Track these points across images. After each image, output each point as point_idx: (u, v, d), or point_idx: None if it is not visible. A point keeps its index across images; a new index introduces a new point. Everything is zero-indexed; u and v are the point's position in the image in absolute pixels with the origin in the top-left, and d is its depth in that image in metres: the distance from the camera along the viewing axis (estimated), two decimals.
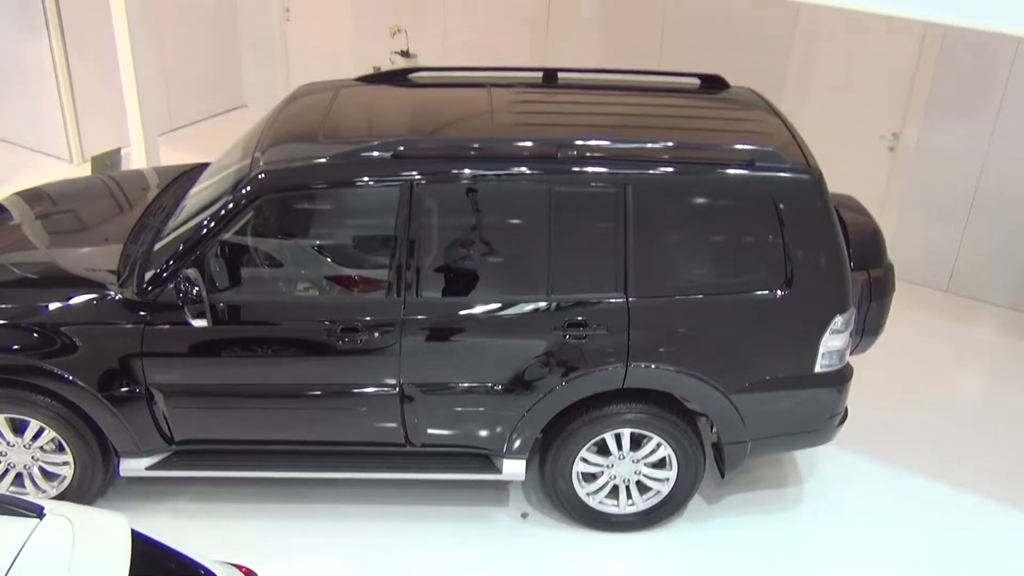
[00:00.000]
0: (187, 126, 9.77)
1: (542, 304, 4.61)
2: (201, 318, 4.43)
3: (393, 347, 4.60)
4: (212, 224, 4.52)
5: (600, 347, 4.63)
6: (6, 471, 4.85)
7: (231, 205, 4.52)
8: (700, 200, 4.61)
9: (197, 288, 4.38)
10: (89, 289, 4.68)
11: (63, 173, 8.38)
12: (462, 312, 4.62)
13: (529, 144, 4.63)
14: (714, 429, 4.96)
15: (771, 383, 4.76)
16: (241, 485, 5.19)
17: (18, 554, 2.78)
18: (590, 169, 4.53)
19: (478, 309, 4.62)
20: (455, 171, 4.52)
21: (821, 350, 4.72)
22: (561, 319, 4.61)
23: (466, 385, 4.70)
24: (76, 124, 8.72)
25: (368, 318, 4.58)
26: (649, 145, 4.63)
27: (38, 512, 2.98)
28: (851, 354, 5.00)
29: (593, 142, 4.62)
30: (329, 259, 5.01)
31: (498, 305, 4.62)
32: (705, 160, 4.59)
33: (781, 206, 4.56)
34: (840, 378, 4.85)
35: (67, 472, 4.85)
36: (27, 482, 4.87)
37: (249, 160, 4.71)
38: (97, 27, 8.31)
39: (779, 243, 4.60)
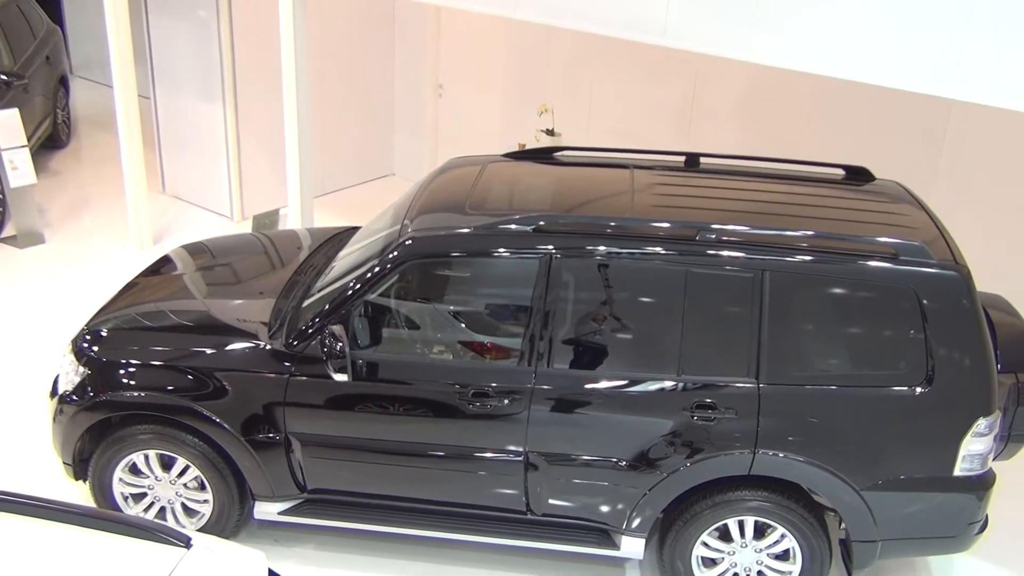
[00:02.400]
0: (339, 191, 10.28)
1: (671, 383, 4.63)
2: (342, 373, 4.65)
3: (521, 415, 4.69)
4: (359, 285, 4.77)
5: (728, 431, 4.60)
6: (151, 504, 5.15)
7: (378, 268, 4.76)
8: (839, 291, 4.57)
9: (341, 344, 4.61)
10: (243, 338, 4.99)
11: (224, 229, 8.97)
12: (591, 385, 4.69)
13: (668, 225, 4.70)
14: (843, 525, 4.81)
15: (906, 483, 4.60)
16: (365, 538, 5.33)
17: None
18: (728, 253, 4.57)
19: (607, 384, 4.68)
20: (594, 247, 4.64)
21: (962, 453, 4.55)
22: (690, 400, 4.61)
23: (590, 458, 4.73)
24: (240, 185, 9.33)
25: (499, 385, 4.70)
26: (789, 233, 4.64)
27: (186, 542, 3.18)
28: (995, 460, 4.79)
29: (732, 227, 4.66)
30: (465, 325, 5.18)
31: (627, 381, 4.67)
32: (846, 251, 4.55)
33: (925, 302, 4.47)
34: (981, 484, 4.65)
35: (206, 510, 5.10)
36: (169, 516, 5.15)
37: (398, 227, 4.96)
38: (264, 98, 8.95)
39: (921, 340, 4.49)
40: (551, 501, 4.87)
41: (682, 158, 5.59)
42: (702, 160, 5.60)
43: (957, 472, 4.59)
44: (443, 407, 4.76)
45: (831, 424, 4.58)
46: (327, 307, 4.81)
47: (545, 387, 4.68)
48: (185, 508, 5.14)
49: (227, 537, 5.19)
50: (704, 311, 4.61)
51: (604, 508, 4.84)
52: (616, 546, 4.92)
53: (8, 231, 8.91)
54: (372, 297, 4.82)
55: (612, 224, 4.73)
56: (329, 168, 9.98)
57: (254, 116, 9.14)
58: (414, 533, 5.09)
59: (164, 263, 6.14)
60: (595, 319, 4.77)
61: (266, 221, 7.78)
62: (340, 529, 5.22)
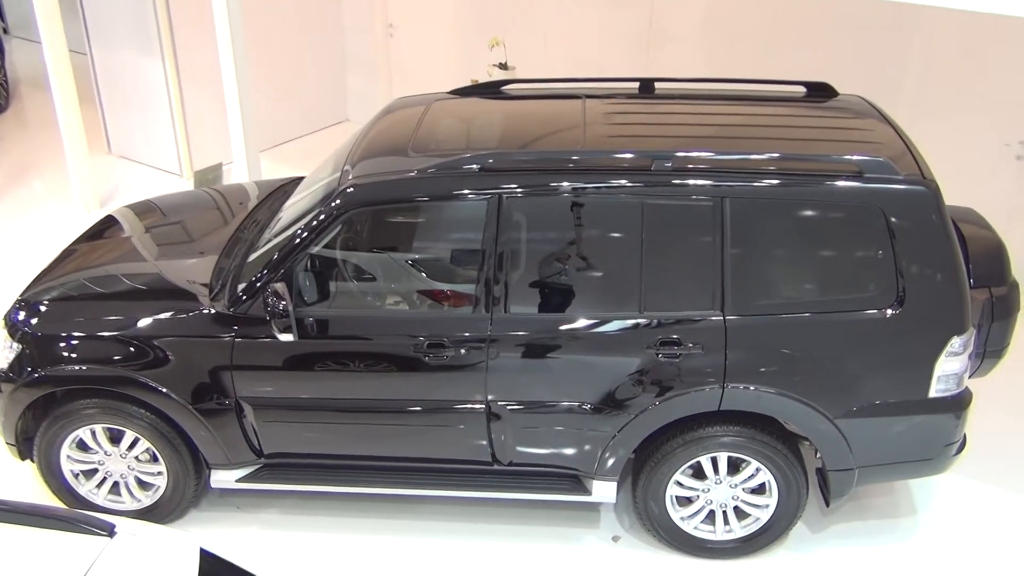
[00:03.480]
0: (292, 140, 9.95)
1: (634, 321, 4.43)
2: (287, 333, 4.42)
3: (480, 364, 4.49)
4: (300, 238, 4.51)
5: (695, 367, 4.42)
6: (104, 479, 4.95)
7: (320, 219, 4.50)
8: (802, 213, 4.36)
9: (284, 302, 4.37)
10: (181, 302, 4.74)
11: (174, 187, 8.64)
12: (550, 329, 4.48)
13: (621, 156, 4.46)
14: (818, 454, 4.68)
15: (880, 408, 4.45)
16: (330, 499, 5.17)
17: (87, 573, 2.77)
18: (685, 181, 4.34)
19: (567, 326, 4.47)
20: (544, 184, 4.40)
21: (936, 374, 4.39)
22: (654, 337, 4.42)
23: (554, 403, 4.56)
24: (187, 140, 8.98)
25: (455, 334, 4.49)
26: (747, 156, 4.41)
27: (109, 530, 2.97)
28: (971, 378, 4.65)
29: (689, 153, 4.42)
30: (416, 274, 4.95)
31: (588, 322, 4.47)
32: (807, 171, 4.33)
33: (893, 220, 4.27)
34: (958, 404, 4.51)
35: (161, 482, 4.91)
36: (123, 491, 4.96)
37: (339, 174, 4.69)
38: (206, 49, 8.50)
39: (890, 259, 4.30)
40: (518, 449, 4.70)
41: (636, 84, 5.33)
42: (657, 85, 5.34)
43: (933, 394, 4.44)
44: (398, 361, 4.54)
45: (801, 353, 4.41)
46: (268, 263, 4.56)
47: (503, 333, 4.47)
48: (139, 482, 4.94)
49: (186, 508, 5.04)
50: (664, 244, 4.39)
51: (573, 453, 4.68)
52: (588, 491, 4.77)
53: None
54: (316, 250, 4.56)
55: (562, 158, 4.49)
56: (280, 117, 9.64)
57: (196, 67, 8.76)
58: (379, 492, 4.92)
59: (107, 225, 5.85)
60: (551, 260, 4.54)
61: (208, 176, 7.47)
62: (304, 492, 5.05)
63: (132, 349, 4.63)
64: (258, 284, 4.53)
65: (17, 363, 4.73)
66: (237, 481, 4.88)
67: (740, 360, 4.39)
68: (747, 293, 4.37)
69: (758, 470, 4.61)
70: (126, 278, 5.12)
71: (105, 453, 4.85)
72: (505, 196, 4.39)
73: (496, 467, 4.78)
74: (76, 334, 4.72)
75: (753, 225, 4.34)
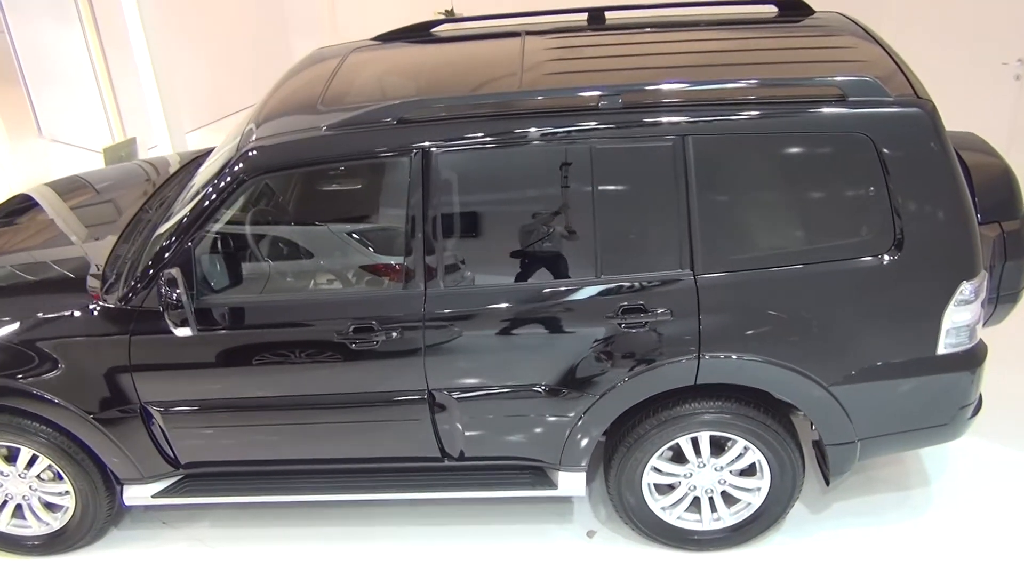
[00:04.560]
0: (238, 112, 9.27)
1: (590, 289, 3.81)
2: (184, 326, 3.79)
3: (416, 348, 3.88)
4: (197, 215, 3.87)
5: (665, 336, 3.81)
6: (4, 503, 4.36)
7: (218, 190, 3.86)
8: (777, 149, 3.71)
9: (178, 291, 3.74)
10: (65, 297, 4.12)
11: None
12: (493, 303, 3.86)
13: (562, 96, 3.81)
14: (814, 427, 4.08)
15: (882, 370, 3.85)
16: (266, 508, 4.59)
17: None
18: (638, 119, 3.69)
19: (513, 298, 3.85)
20: (475, 134, 3.75)
21: (945, 326, 3.78)
22: (615, 305, 3.80)
23: (505, 387, 3.95)
24: (119, 115, 8.35)
25: (384, 315, 3.87)
26: (709, 86, 3.76)
27: None
28: (984, 326, 4.03)
29: (642, 87, 3.78)
30: (338, 249, 4.32)
31: (538, 292, 3.85)
32: (779, 99, 3.68)
33: (885, 150, 3.64)
34: (971, 359, 3.90)
35: (69, 502, 4.32)
36: (28, 514, 4.37)
37: (240, 137, 4.05)
38: (129, 15, 7.86)
39: (884, 196, 3.68)
40: (468, 442, 4.10)
41: (583, 16, 4.67)
42: (608, 15, 4.68)
43: (942, 349, 3.84)
44: (320, 350, 3.93)
45: (787, 312, 3.79)
46: (162, 247, 3.93)
47: (439, 311, 3.85)
48: (45, 503, 4.36)
49: (103, 527, 4.46)
50: (618, 195, 3.76)
51: (532, 443, 4.09)
52: (553, 484, 4.18)
53: None
54: (218, 227, 3.93)
55: (494, 102, 3.84)
56: (223, 89, 8.99)
57: (121, 37, 8.03)
58: (315, 499, 4.33)
59: (23, 206, 5.22)
60: (490, 223, 3.91)
61: (121, 153, 6.84)
62: (239, 502, 4.46)
63: (16, 355, 4.02)
64: (151, 271, 3.91)
65: None
66: (154, 497, 4.29)
67: (717, 325, 3.79)
68: (720, 247, 3.75)
69: (746, 449, 4.03)
70: (38, 268, 4.50)
71: (2, 474, 4.26)
72: (428, 152, 3.75)
73: (447, 463, 4.19)
74: None
75: (722, 166, 3.70)
